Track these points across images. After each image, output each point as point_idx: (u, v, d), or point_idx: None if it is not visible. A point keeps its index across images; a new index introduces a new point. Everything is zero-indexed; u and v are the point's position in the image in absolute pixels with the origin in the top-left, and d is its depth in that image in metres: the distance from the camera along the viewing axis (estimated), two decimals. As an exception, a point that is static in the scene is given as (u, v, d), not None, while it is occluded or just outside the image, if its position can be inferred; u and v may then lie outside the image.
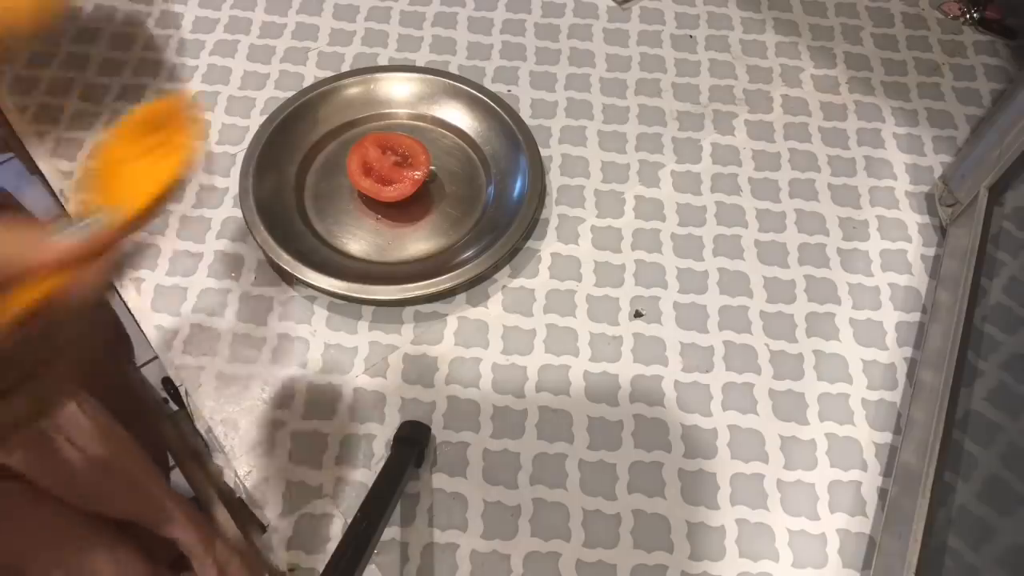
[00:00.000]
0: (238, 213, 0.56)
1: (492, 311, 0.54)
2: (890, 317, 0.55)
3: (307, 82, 0.64)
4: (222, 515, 0.47)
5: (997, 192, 0.55)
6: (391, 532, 0.46)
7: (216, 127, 0.62)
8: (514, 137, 0.59)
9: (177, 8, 0.69)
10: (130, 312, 0.54)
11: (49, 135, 0.61)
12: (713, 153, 0.63)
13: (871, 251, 0.58)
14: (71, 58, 0.65)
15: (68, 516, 0.42)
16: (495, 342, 0.53)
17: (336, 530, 0.46)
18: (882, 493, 0.48)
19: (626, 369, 0.52)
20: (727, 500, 0.48)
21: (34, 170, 0.61)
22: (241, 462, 0.48)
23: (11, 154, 0.64)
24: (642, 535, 0.47)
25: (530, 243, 0.57)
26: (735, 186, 0.61)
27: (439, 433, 0.49)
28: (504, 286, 0.55)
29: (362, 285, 0.52)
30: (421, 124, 0.62)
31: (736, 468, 0.49)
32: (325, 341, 0.53)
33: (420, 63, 0.66)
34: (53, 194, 0.59)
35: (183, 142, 0.32)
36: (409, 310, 0.54)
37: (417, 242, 0.57)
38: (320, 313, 0.54)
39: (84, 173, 0.29)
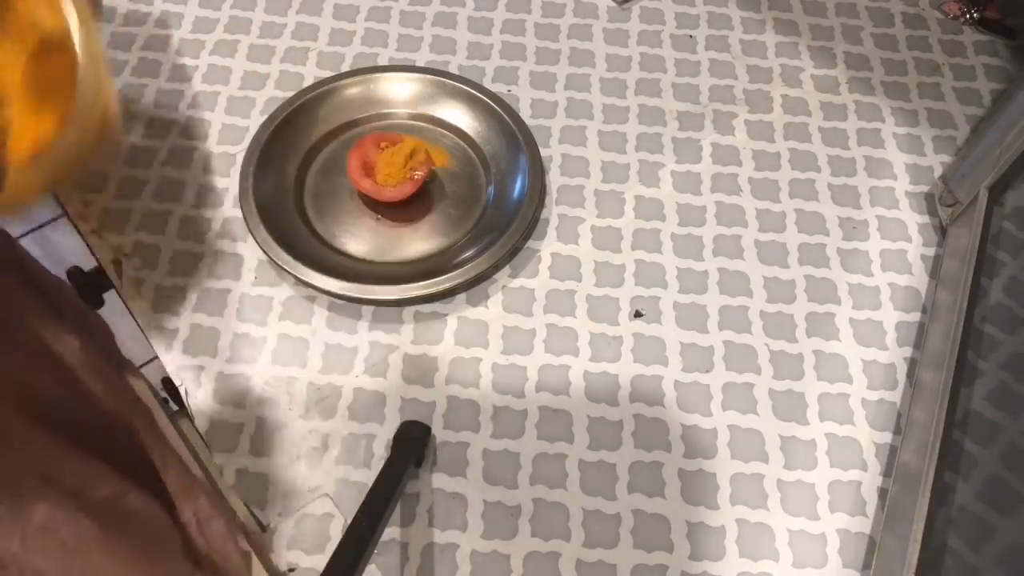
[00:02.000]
0: (238, 213, 0.56)
1: (492, 311, 0.54)
2: (890, 317, 0.55)
3: (307, 82, 0.64)
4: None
5: (997, 192, 0.55)
6: (391, 532, 0.46)
7: (216, 127, 0.62)
8: (514, 137, 0.59)
9: (177, 8, 0.69)
10: (130, 312, 0.54)
11: (49, 135, 0.61)
12: (713, 153, 0.63)
13: (871, 251, 0.58)
14: (71, 58, 0.65)
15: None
16: (495, 342, 0.53)
17: (336, 530, 0.46)
18: (882, 493, 0.48)
19: (626, 369, 0.52)
20: (727, 500, 0.48)
21: (34, 170, 0.60)
22: (241, 462, 0.48)
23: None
24: (642, 535, 0.47)
25: (530, 243, 0.57)
26: (735, 186, 0.61)
27: (439, 433, 0.49)
28: (504, 286, 0.55)
29: (362, 285, 0.52)
30: (421, 124, 0.62)
31: (736, 468, 0.49)
32: (325, 341, 0.53)
33: (420, 63, 0.66)
34: (52, 194, 0.59)
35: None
36: (409, 310, 0.54)
37: (417, 242, 0.57)
38: (320, 313, 0.54)
39: None
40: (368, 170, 0.56)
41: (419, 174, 0.56)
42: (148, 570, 0.40)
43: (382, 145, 0.57)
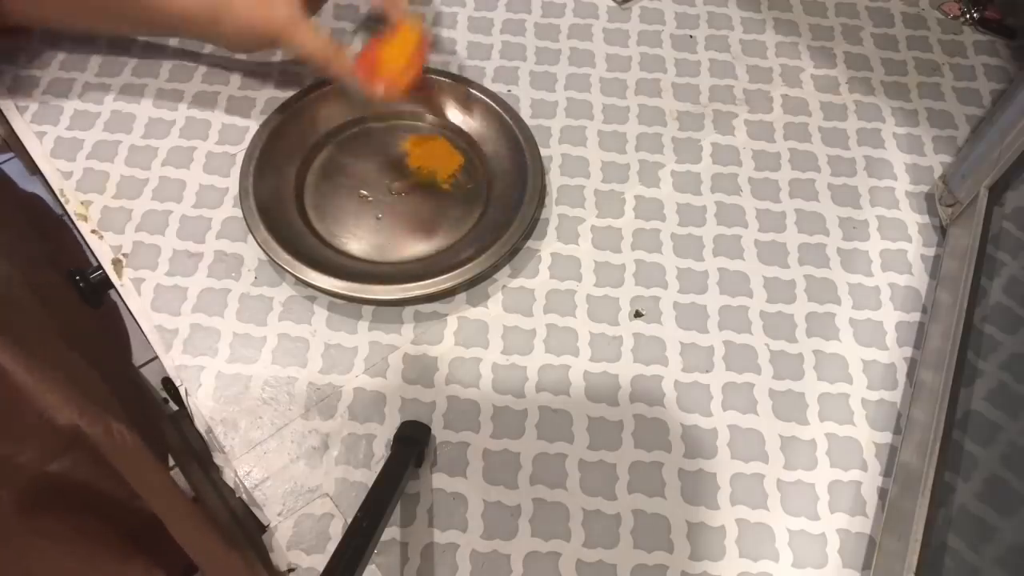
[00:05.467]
0: (238, 213, 0.56)
1: (492, 311, 0.54)
2: (890, 317, 0.55)
3: (307, 82, 0.64)
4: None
5: (997, 192, 0.55)
6: (391, 532, 0.46)
7: (216, 127, 0.62)
8: (514, 137, 0.59)
9: (177, 8, 0.68)
10: (130, 312, 0.54)
11: (49, 135, 0.61)
12: (713, 153, 0.63)
13: (871, 251, 0.58)
14: (71, 58, 0.65)
15: (77, 530, 0.41)
16: (495, 342, 0.53)
17: (336, 530, 0.46)
18: (882, 493, 0.48)
19: (626, 369, 0.52)
20: (727, 500, 0.48)
21: (34, 170, 0.61)
22: (241, 462, 0.48)
23: (11, 154, 0.64)
24: (642, 535, 0.47)
25: (530, 243, 0.57)
26: (735, 186, 0.61)
27: (439, 433, 0.49)
28: (504, 286, 0.55)
29: (362, 285, 0.52)
30: (422, 124, 0.62)
31: (736, 468, 0.49)
32: (325, 341, 0.53)
33: (420, 63, 0.66)
34: (53, 194, 0.59)
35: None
36: (409, 310, 0.54)
37: (417, 242, 0.57)
38: (320, 313, 0.54)
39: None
40: (374, 68, 0.54)
41: (417, 60, 0.54)
42: None
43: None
